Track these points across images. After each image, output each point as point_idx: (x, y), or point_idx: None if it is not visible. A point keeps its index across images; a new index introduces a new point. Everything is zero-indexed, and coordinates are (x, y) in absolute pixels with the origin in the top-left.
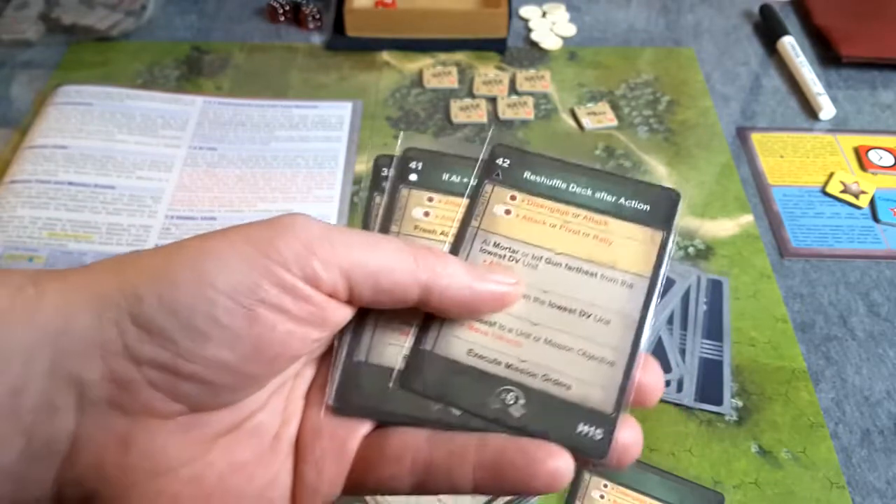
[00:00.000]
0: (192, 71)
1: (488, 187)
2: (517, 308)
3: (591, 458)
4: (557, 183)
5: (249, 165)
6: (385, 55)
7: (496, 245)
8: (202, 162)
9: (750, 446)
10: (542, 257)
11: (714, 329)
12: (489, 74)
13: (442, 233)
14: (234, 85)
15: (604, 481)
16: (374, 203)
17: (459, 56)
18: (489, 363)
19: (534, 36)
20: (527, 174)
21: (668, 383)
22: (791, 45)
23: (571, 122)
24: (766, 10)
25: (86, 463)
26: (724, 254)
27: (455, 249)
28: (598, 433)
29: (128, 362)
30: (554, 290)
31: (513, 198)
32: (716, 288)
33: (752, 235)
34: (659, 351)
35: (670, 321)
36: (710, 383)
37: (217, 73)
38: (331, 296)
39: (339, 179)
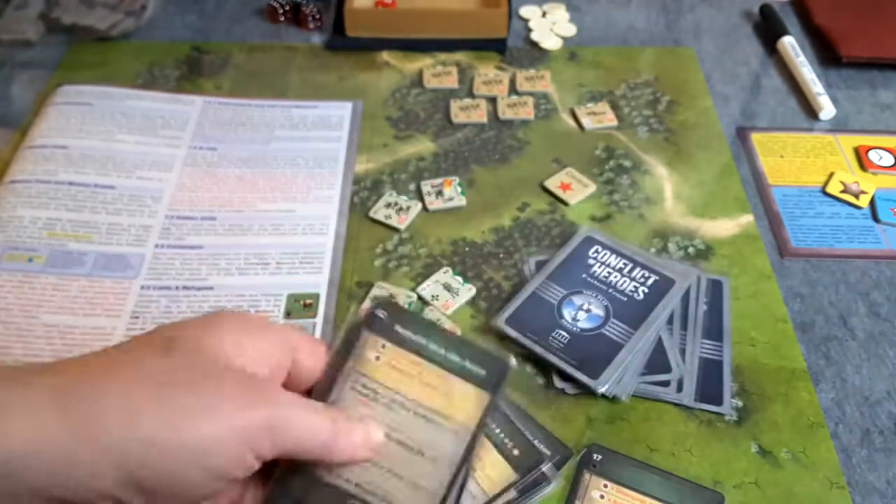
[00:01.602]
0: (192, 71)
1: (366, 334)
2: None
3: None
4: (419, 339)
5: (249, 165)
6: (385, 55)
7: (363, 385)
8: (202, 162)
9: (750, 446)
10: (396, 400)
11: (714, 329)
12: (489, 74)
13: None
14: (234, 85)
15: (604, 481)
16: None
17: (459, 56)
18: (343, 481)
19: (534, 36)
20: (398, 327)
21: (668, 383)
22: (791, 45)
23: (571, 122)
24: (766, 10)
25: None
26: (724, 254)
27: (331, 379)
28: None
29: (110, 501)
30: (400, 429)
31: (383, 346)
32: (716, 288)
33: (752, 235)
34: (659, 351)
35: (670, 321)
36: (710, 383)
37: (217, 73)
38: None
39: (339, 179)
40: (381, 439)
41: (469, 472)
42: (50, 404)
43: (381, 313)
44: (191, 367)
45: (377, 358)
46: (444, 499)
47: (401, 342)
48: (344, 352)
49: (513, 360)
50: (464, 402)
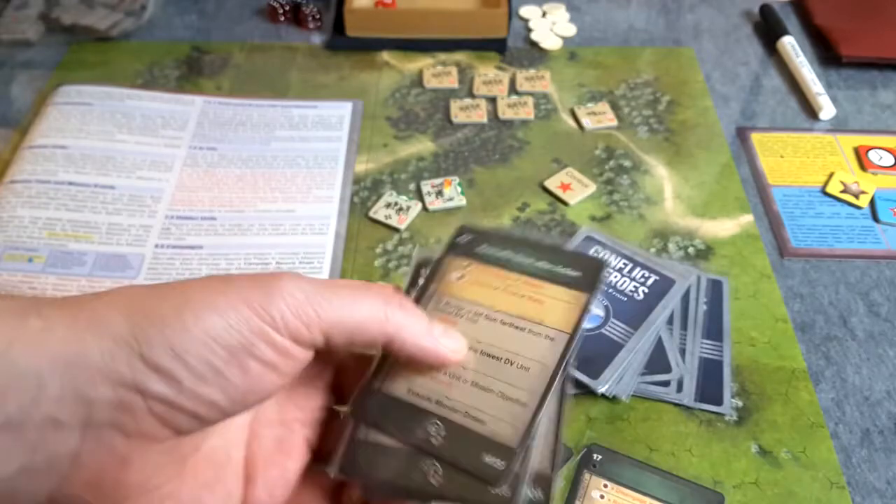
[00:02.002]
0: (192, 71)
1: (448, 259)
2: None
3: (491, 484)
4: (506, 254)
5: (249, 165)
6: (385, 55)
7: (446, 304)
8: (202, 162)
9: (750, 446)
10: (481, 314)
11: (714, 329)
12: (489, 74)
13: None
14: (234, 85)
15: (604, 481)
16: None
17: (459, 56)
18: (422, 399)
19: (534, 36)
20: (483, 247)
21: (668, 383)
22: (791, 45)
23: (571, 122)
24: (766, 10)
25: (84, 479)
26: (724, 254)
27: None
28: (500, 464)
29: (135, 394)
30: (486, 341)
31: (467, 266)
32: (716, 288)
33: (752, 235)
34: (659, 351)
35: (670, 321)
36: (710, 383)
37: (217, 73)
38: (309, 348)
39: (339, 179)
40: (464, 343)
41: (568, 381)
42: (57, 311)
43: (465, 238)
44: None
45: (460, 277)
46: (538, 408)
47: (486, 259)
48: (426, 281)
49: (605, 261)
50: (557, 304)
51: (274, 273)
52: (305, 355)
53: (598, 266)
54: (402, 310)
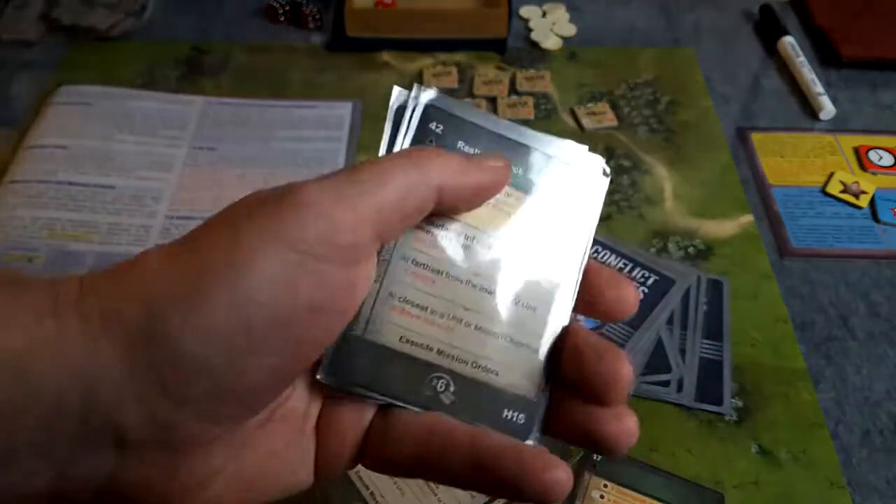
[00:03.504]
0: (192, 71)
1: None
2: (449, 291)
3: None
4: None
5: (249, 165)
6: (385, 55)
7: (429, 221)
8: (202, 162)
9: (750, 446)
10: (473, 237)
11: (714, 329)
12: (489, 74)
13: None
14: (234, 85)
15: (604, 481)
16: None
17: (459, 56)
18: (421, 349)
19: (534, 36)
20: (460, 144)
21: (668, 383)
22: (791, 45)
23: (571, 122)
24: (766, 10)
25: (128, 492)
26: (724, 254)
27: None
28: (521, 418)
29: (169, 403)
30: (485, 274)
31: None
32: (716, 288)
33: (752, 235)
34: (659, 351)
35: (670, 321)
36: (710, 383)
37: (217, 73)
38: (368, 256)
39: None
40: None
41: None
42: (71, 307)
43: (435, 126)
44: None
45: None
46: (551, 353)
47: None
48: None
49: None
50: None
51: (283, 189)
52: (361, 264)
53: (595, 165)
54: (434, 158)
